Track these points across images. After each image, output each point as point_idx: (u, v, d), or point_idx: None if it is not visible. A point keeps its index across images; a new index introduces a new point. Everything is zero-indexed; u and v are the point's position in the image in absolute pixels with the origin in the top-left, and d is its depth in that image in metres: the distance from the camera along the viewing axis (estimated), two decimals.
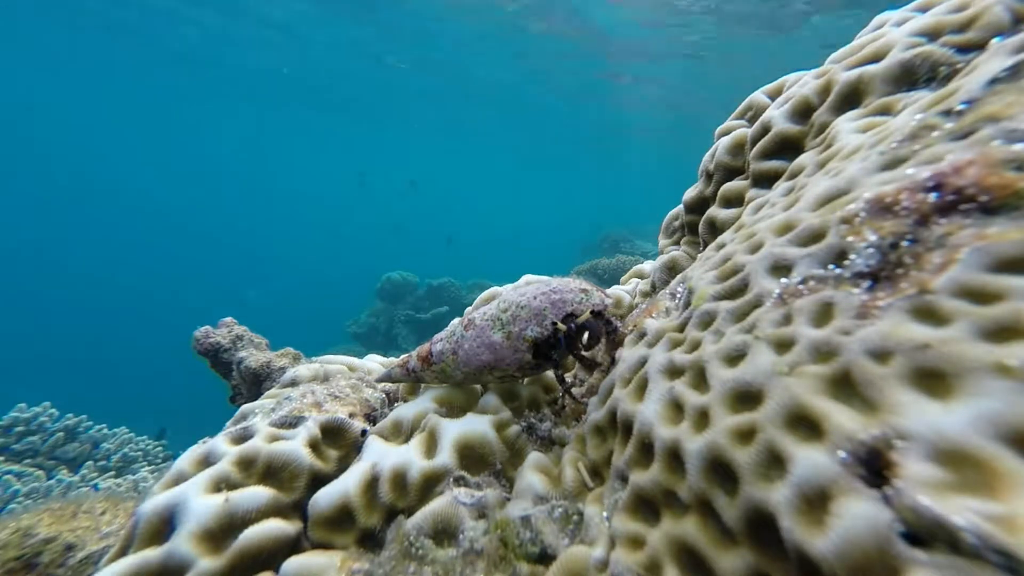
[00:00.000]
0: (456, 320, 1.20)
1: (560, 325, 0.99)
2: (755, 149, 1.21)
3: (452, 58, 14.61)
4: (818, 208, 0.76)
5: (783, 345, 0.63)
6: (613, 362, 0.96)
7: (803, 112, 1.15)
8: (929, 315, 0.52)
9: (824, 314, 0.62)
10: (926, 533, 0.42)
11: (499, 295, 1.51)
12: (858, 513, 0.46)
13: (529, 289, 1.05)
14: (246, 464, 0.96)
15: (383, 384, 1.38)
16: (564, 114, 19.57)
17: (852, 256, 0.64)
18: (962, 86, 0.74)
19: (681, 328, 0.84)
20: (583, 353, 1.06)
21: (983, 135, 0.62)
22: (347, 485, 0.90)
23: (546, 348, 1.02)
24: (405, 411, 1.09)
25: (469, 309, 1.47)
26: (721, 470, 0.61)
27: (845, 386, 0.55)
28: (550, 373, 1.15)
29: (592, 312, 1.00)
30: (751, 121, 1.38)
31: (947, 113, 0.72)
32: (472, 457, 0.96)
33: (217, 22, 13.25)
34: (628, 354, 0.90)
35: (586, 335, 1.04)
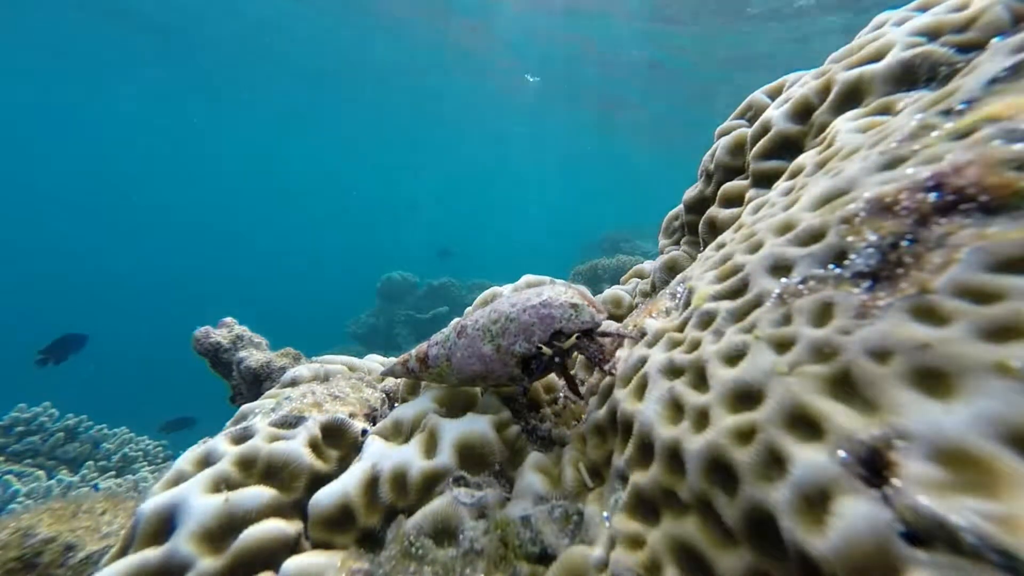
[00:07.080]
0: (453, 322, 1.19)
1: (545, 349, 0.96)
2: (755, 149, 1.21)
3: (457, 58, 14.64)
4: (818, 208, 0.76)
5: (783, 345, 0.63)
6: (604, 375, 0.94)
7: (803, 112, 1.15)
8: (929, 315, 0.52)
9: (824, 314, 0.62)
10: (926, 533, 0.42)
11: (499, 295, 1.51)
12: (858, 513, 0.46)
13: (520, 299, 1.02)
14: (246, 464, 0.96)
15: (383, 383, 1.39)
16: (564, 114, 19.60)
17: (852, 256, 0.64)
18: (962, 86, 0.74)
19: (681, 328, 0.84)
20: (570, 372, 1.04)
21: (983, 135, 0.62)
22: (347, 485, 0.90)
23: (535, 363, 1.00)
24: (405, 411, 1.09)
25: (469, 309, 1.47)
26: (721, 470, 0.61)
27: (845, 386, 0.54)
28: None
29: (581, 332, 0.97)
30: (751, 121, 1.38)
31: (947, 113, 0.72)
32: (472, 457, 0.96)
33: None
34: (628, 354, 0.90)
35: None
